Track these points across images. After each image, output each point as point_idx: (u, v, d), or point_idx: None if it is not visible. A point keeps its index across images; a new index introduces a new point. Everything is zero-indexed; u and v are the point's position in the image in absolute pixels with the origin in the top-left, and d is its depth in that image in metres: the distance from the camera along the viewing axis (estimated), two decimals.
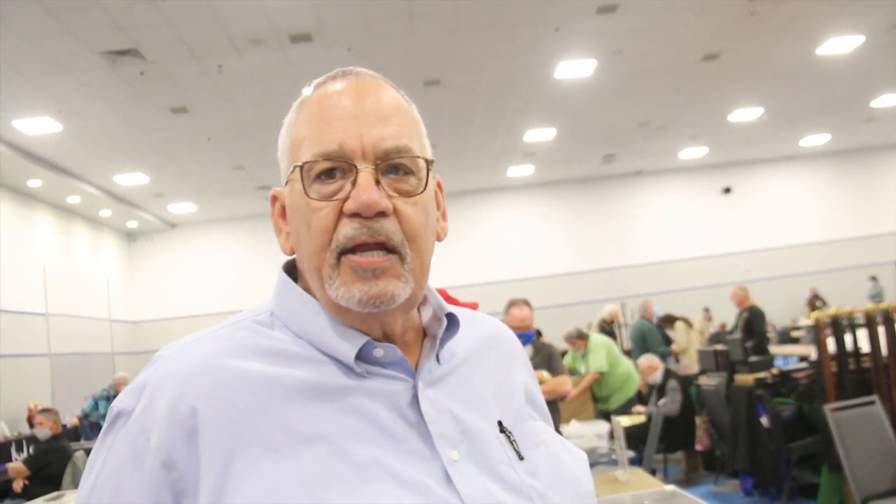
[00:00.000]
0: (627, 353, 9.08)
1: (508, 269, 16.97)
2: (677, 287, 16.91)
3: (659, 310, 10.92)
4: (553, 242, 17.69)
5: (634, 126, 13.66)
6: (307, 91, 0.87)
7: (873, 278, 16.52)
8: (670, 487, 3.31)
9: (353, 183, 0.78)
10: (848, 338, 5.15)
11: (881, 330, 4.94)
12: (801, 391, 5.72)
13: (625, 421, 6.08)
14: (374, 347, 0.80)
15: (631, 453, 5.21)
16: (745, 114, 13.65)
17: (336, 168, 0.79)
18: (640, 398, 7.41)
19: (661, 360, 7.32)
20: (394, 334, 0.83)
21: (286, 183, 0.85)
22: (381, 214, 0.77)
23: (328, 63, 8.91)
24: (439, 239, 0.88)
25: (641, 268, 17.47)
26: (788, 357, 10.17)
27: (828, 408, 4.17)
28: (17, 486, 6.16)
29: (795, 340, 12.72)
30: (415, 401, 0.79)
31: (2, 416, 10.56)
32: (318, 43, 8.41)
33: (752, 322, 7.92)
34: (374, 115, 0.80)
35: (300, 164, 0.80)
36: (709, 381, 6.65)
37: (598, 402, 7.31)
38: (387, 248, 0.78)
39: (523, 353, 1.00)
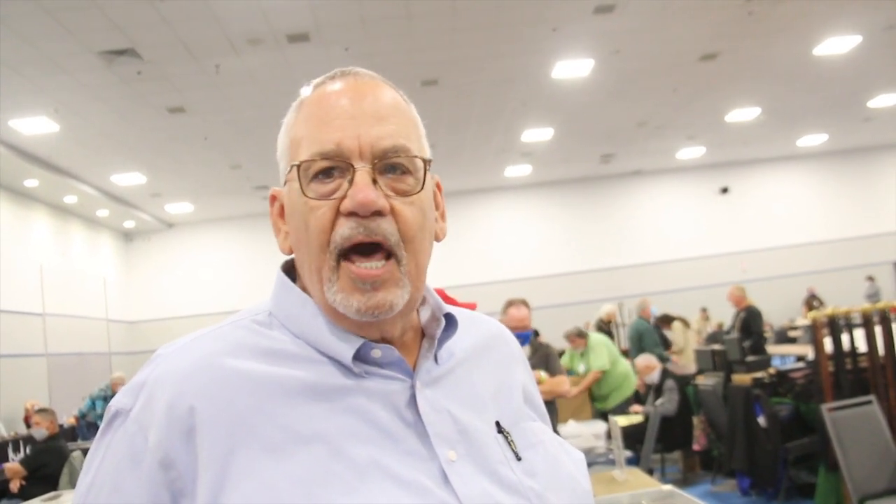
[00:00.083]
0: (625, 353, 9.09)
1: (506, 269, 16.97)
2: (675, 287, 16.93)
3: (657, 310, 10.94)
4: (551, 242, 17.70)
5: (632, 126, 13.67)
6: (306, 91, 0.87)
7: (870, 278, 16.56)
8: (668, 487, 3.31)
9: (351, 182, 0.78)
10: (845, 338, 5.16)
11: (878, 330, 4.94)
12: (799, 391, 5.72)
13: (622, 421, 6.08)
14: (371, 348, 0.80)
15: (628, 453, 5.22)
16: (743, 114, 13.67)
17: (334, 167, 0.79)
18: (638, 398, 7.42)
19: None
20: (392, 336, 0.84)
21: (285, 182, 0.85)
22: (378, 214, 0.77)
23: (326, 63, 8.92)
24: (438, 239, 0.88)
25: (639, 268, 17.49)
26: (785, 357, 10.19)
27: (825, 407, 4.18)
28: (14, 486, 6.15)
29: (792, 340, 12.74)
30: (412, 401, 0.79)
31: None
32: (315, 43, 8.41)
33: (750, 322, 7.93)
34: (371, 115, 0.81)
35: (297, 163, 0.80)
36: (706, 381, 6.66)
37: (596, 401, 7.33)
38: (384, 248, 0.78)
39: (522, 353, 1.00)
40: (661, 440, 6.40)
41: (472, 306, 1.24)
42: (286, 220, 0.86)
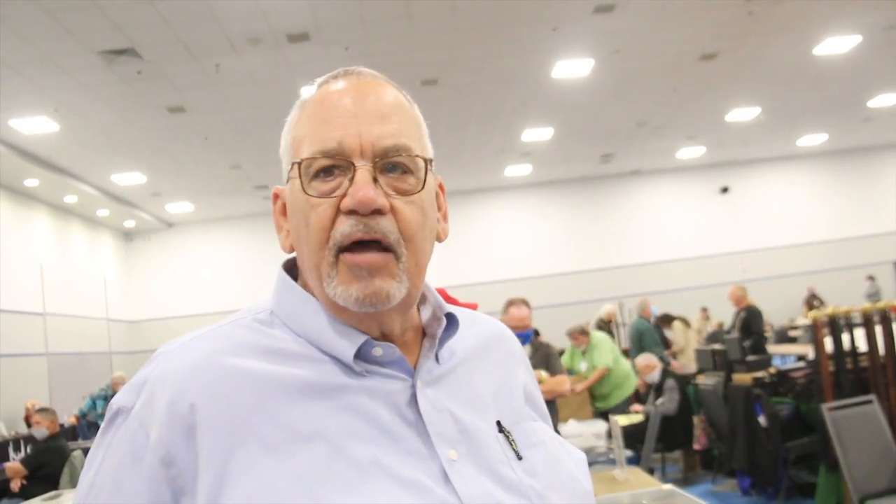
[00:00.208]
0: (625, 352, 9.10)
1: (506, 269, 16.97)
2: (675, 286, 16.93)
3: (657, 309, 10.94)
4: (551, 242, 17.69)
5: (632, 126, 13.67)
6: (310, 90, 0.87)
7: (870, 278, 16.56)
8: (668, 487, 3.31)
9: (351, 180, 0.78)
10: (845, 337, 5.16)
11: (878, 329, 4.94)
12: (799, 390, 5.72)
13: (623, 420, 6.09)
14: (373, 346, 0.80)
15: (629, 452, 5.22)
16: (743, 113, 13.66)
17: (335, 166, 0.79)
18: (638, 397, 7.43)
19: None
20: (393, 334, 0.84)
21: (287, 181, 0.85)
22: (378, 212, 0.78)
23: (326, 63, 8.92)
24: (439, 239, 0.88)
25: (639, 267, 17.48)
26: (786, 356, 10.18)
27: (825, 407, 4.18)
28: (15, 485, 6.15)
29: (793, 340, 12.74)
30: (413, 400, 0.80)
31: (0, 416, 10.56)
32: (315, 43, 8.41)
33: (750, 321, 7.93)
34: (373, 114, 0.81)
35: (299, 160, 0.80)
36: (706, 381, 6.66)
37: (597, 400, 7.33)
38: (383, 245, 0.78)
39: (523, 353, 1.00)
40: (662, 440, 6.40)
41: (473, 306, 1.24)
42: (288, 217, 0.86)
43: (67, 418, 10.55)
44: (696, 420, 6.65)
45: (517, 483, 0.80)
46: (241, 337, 0.80)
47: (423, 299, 0.90)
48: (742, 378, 6.10)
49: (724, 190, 18.14)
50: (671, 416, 6.42)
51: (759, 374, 6.07)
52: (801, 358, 8.01)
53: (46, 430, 6.27)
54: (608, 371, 7.20)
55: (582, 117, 12.66)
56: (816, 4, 8.98)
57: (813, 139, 16.73)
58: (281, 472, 0.71)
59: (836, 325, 5.10)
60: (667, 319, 10.06)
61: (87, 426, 10.05)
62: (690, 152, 16.58)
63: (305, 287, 0.85)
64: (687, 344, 9.70)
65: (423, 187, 0.81)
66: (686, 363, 8.92)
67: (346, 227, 0.77)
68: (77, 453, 6.17)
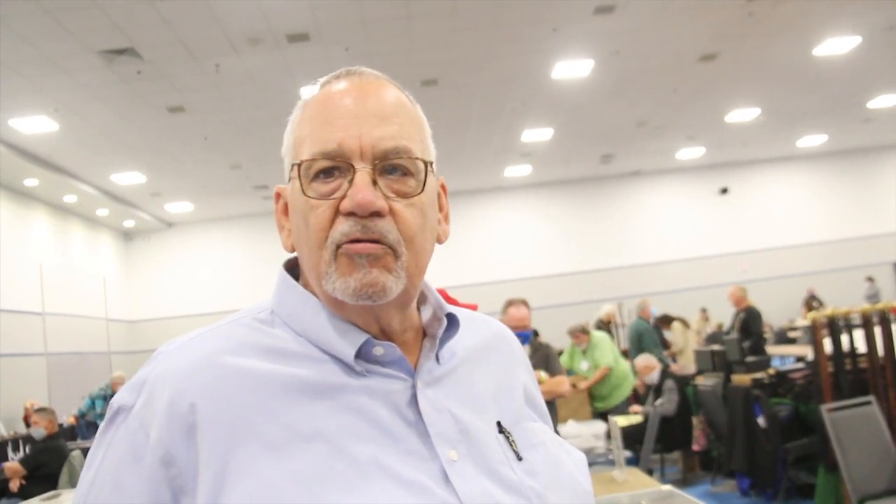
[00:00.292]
0: (625, 353, 9.10)
1: (506, 270, 16.97)
2: (674, 287, 16.93)
3: (656, 310, 10.94)
4: (550, 243, 17.69)
5: (632, 126, 13.67)
6: (312, 90, 0.87)
7: (870, 279, 16.57)
8: (667, 487, 3.31)
9: (351, 182, 0.78)
10: (844, 338, 5.16)
11: (877, 330, 4.94)
12: (798, 391, 5.72)
13: (622, 421, 6.08)
14: (373, 346, 0.80)
15: (628, 453, 5.22)
16: (743, 114, 13.67)
17: (335, 167, 0.79)
18: (637, 398, 7.43)
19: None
20: (392, 332, 0.84)
21: (289, 180, 0.85)
22: (377, 215, 0.78)
23: (326, 63, 8.93)
24: (440, 241, 0.88)
25: (639, 268, 17.48)
26: (785, 357, 10.18)
27: (824, 408, 4.18)
28: (14, 485, 6.15)
29: (792, 341, 12.74)
30: (414, 400, 0.80)
31: None
32: (315, 43, 8.41)
33: (749, 322, 7.93)
34: (374, 115, 0.81)
35: (299, 162, 0.80)
36: (706, 382, 6.66)
37: (597, 400, 7.33)
38: (381, 244, 0.78)
39: (523, 353, 1.00)
40: (661, 440, 6.40)
41: (473, 307, 1.24)
42: (289, 217, 0.86)
43: (66, 418, 10.54)
44: (695, 421, 6.66)
45: (517, 483, 0.80)
46: (241, 336, 0.80)
47: (424, 299, 0.90)
48: (741, 379, 6.10)
49: (724, 191, 18.14)
50: (670, 417, 6.42)
51: (759, 374, 6.07)
52: (800, 359, 8.03)
53: (45, 430, 6.27)
54: (610, 370, 7.21)
55: (582, 118, 12.66)
56: (816, 5, 8.98)
57: (813, 140, 16.73)
58: (281, 472, 0.71)
59: (836, 326, 5.10)
60: (666, 320, 10.07)
61: (86, 426, 10.04)
62: (690, 153, 16.58)
63: (306, 287, 0.85)
64: (686, 345, 9.71)
65: (423, 189, 0.81)
66: (685, 364, 8.92)
67: (344, 228, 0.78)
68: (76, 453, 6.17)
